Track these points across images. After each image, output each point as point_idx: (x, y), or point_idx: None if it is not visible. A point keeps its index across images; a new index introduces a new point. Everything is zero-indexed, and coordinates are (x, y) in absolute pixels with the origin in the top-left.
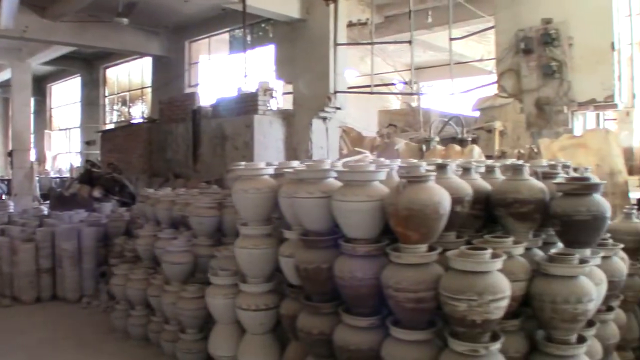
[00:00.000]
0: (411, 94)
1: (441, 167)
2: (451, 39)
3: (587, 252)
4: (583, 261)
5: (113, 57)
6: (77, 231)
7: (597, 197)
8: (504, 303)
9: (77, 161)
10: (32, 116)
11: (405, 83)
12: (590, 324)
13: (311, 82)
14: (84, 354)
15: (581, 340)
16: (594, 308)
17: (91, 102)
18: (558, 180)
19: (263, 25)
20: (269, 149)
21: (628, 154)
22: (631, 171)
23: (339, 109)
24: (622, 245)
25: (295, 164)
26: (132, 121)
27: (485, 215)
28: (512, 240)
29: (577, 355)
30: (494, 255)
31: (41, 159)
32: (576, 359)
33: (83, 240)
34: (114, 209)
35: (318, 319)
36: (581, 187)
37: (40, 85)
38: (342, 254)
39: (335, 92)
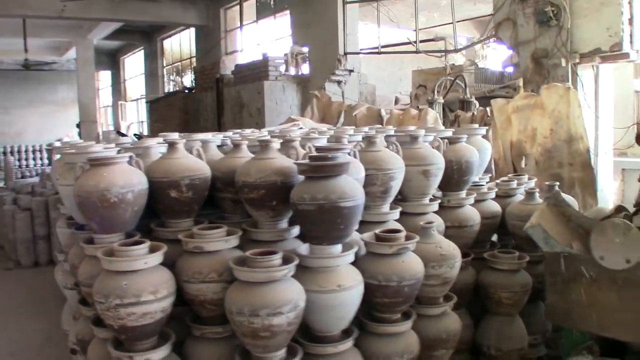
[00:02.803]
0: (418, 52)
1: (171, 145)
2: None
3: (336, 249)
4: (288, 261)
5: (167, 28)
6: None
7: (334, 181)
8: (142, 309)
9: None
10: (110, 89)
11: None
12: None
13: (322, 44)
14: (26, 317)
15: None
16: (289, 321)
17: (152, 73)
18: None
19: None
20: (282, 115)
21: None
22: None
23: (351, 71)
24: (409, 242)
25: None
26: (177, 90)
27: None
28: (222, 232)
29: None
30: (154, 250)
31: (117, 129)
32: None
33: None
34: None
35: None
36: (309, 169)
37: (114, 59)
38: None
39: (345, 53)
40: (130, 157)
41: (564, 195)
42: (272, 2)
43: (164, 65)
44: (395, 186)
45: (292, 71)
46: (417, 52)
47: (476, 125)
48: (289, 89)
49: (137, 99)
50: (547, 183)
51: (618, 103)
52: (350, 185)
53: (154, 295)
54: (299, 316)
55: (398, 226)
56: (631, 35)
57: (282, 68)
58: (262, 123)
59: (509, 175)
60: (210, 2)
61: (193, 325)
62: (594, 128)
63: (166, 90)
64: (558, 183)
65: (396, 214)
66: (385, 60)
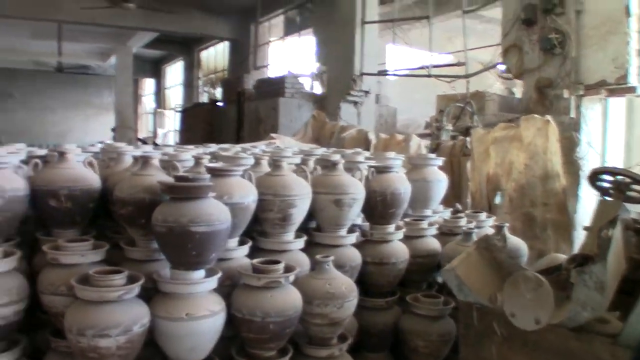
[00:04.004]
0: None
1: (61, 155)
2: (464, 12)
3: (193, 275)
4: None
5: (204, 40)
6: None
7: (190, 204)
8: None
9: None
10: (152, 96)
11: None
12: None
13: (339, 64)
14: None
15: None
16: (119, 345)
17: (189, 84)
18: None
19: (309, 6)
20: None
21: None
22: None
23: (367, 92)
24: (281, 276)
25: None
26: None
27: None
28: (84, 246)
29: None
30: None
31: (138, 137)
32: None
33: None
34: None
35: None
36: (165, 189)
37: (157, 67)
38: None
39: (362, 74)
40: (20, 164)
41: (512, 239)
42: (298, 20)
43: (200, 76)
44: (297, 214)
45: (319, 89)
46: (428, 76)
47: (432, 155)
48: (305, 107)
49: (174, 108)
50: (496, 224)
51: None
52: (209, 210)
53: None
54: (134, 342)
55: (302, 257)
56: None
57: (307, 85)
58: None
59: (467, 211)
60: (242, 16)
61: (50, 337)
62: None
63: (200, 101)
64: (507, 224)
65: (299, 243)
66: (420, 83)
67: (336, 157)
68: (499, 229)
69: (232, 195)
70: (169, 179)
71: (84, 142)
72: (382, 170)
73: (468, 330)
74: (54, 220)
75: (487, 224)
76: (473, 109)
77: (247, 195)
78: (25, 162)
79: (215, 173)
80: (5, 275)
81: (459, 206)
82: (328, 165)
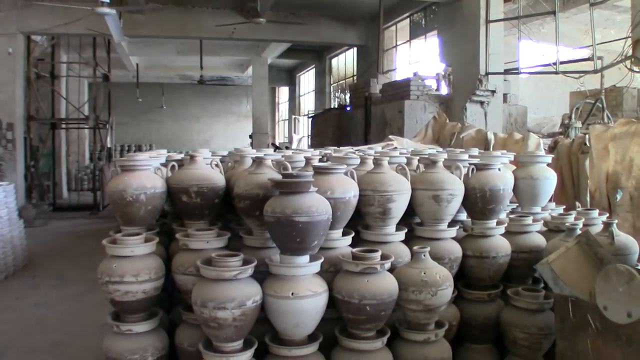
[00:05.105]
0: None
1: (192, 157)
2: (591, 4)
3: (298, 260)
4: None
5: (335, 48)
6: None
7: (293, 197)
8: (125, 287)
9: None
10: (287, 103)
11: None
12: None
13: (464, 64)
14: None
15: None
16: (234, 317)
17: (320, 90)
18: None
19: (434, 8)
20: None
21: None
22: None
23: (493, 91)
24: (375, 263)
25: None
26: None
27: None
28: (209, 234)
29: None
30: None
31: (290, 141)
32: None
33: None
34: None
35: None
36: (274, 185)
37: (291, 76)
38: None
39: (487, 73)
40: (160, 166)
41: (622, 236)
42: (423, 23)
43: (331, 82)
44: (396, 208)
45: (445, 90)
46: (555, 72)
47: (541, 152)
48: (431, 108)
49: (307, 114)
50: (604, 220)
51: None
52: (310, 203)
53: (135, 278)
54: (247, 315)
55: (402, 248)
56: None
57: (433, 86)
58: None
59: (580, 208)
60: (368, 22)
61: (182, 311)
62: None
63: (331, 107)
64: (616, 221)
65: (398, 235)
66: (557, 81)
67: (437, 156)
68: (607, 225)
69: (334, 191)
70: (278, 176)
71: (225, 147)
72: (480, 167)
73: (564, 324)
74: (186, 213)
75: (599, 222)
76: (603, 105)
77: (348, 191)
78: (165, 164)
79: (319, 171)
80: (145, 257)
81: (578, 205)
82: (428, 163)
